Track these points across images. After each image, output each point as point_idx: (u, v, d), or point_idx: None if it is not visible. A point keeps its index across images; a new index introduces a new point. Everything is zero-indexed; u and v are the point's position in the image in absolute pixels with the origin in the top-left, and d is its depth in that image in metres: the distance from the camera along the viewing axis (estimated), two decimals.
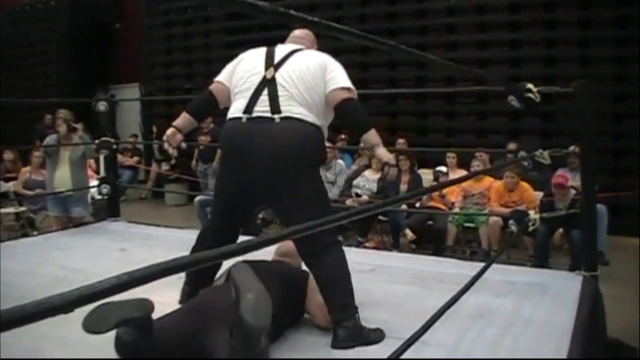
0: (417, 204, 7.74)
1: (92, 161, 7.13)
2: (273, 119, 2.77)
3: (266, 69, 2.91)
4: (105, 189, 5.72)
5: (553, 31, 9.89)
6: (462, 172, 8.02)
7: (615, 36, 9.42)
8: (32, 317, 0.69)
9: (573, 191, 6.77)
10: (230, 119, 2.90)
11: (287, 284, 2.85)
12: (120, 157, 10.44)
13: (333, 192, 8.12)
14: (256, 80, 2.89)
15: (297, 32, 3.29)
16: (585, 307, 3.29)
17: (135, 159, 13.03)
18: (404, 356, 1.79)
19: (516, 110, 4.79)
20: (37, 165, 8.37)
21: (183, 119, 3.14)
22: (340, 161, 8.80)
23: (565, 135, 7.61)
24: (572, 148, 4.10)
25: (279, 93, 2.82)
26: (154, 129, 12.84)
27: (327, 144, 8.42)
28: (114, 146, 5.87)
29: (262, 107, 2.80)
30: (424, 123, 10.92)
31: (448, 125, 10.70)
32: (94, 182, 6.60)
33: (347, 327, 2.73)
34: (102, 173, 6.41)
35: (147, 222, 5.76)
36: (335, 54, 10.98)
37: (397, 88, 10.58)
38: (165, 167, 12.42)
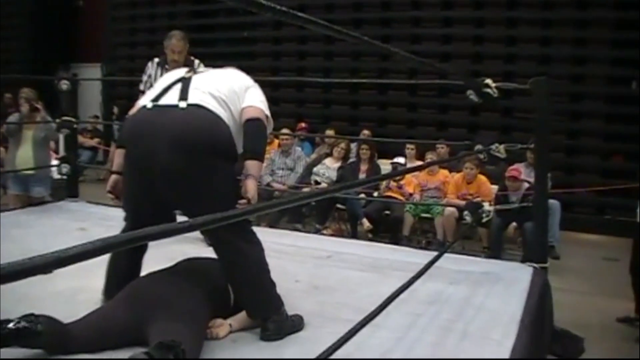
0: (375, 194, 7.84)
1: (52, 141, 7.07)
2: (177, 106, 2.63)
3: (186, 73, 2.86)
4: (65, 168, 5.68)
5: (515, 29, 10.06)
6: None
7: (575, 37, 9.62)
8: (16, 276, 0.73)
9: (526, 184, 6.94)
10: (138, 109, 2.79)
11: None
12: (80, 138, 10.35)
13: (291, 179, 8.19)
14: (172, 79, 2.81)
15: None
16: (534, 296, 3.39)
17: (96, 140, 12.91)
18: (356, 337, 1.86)
19: (476, 105, 4.88)
20: None
21: (120, 158, 2.92)
22: (298, 148, 8.87)
23: (524, 130, 7.78)
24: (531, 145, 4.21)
25: (192, 86, 2.71)
26: (115, 109, 12.73)
27: (287, 130, 8.54)
28: (75, 126, 5.82)
29: (171, 97, 2.69)
30: (385, 114, 11.02)
31: (409, 117, 10.82)
32: (54, 162, 6.56)
33: (275, 320, 2.68)
34: (62, 153, 6.37)
35: (106, 203, 5.74)
36: (300, 42, 11.05)
37: (359, 78, 10.65)
38: None
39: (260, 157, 2.82)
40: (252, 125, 2.75)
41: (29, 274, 0.77)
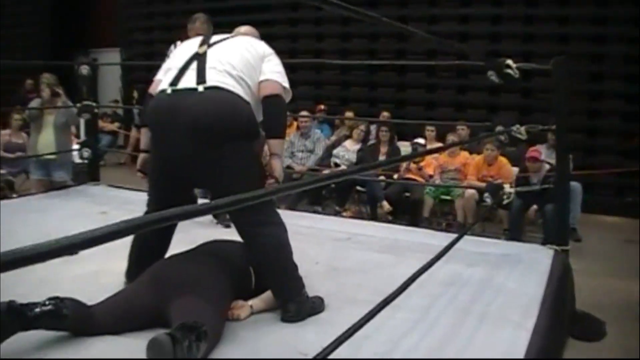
0: (395, 176, 7.84)
1: (72, 126, 7.13)
2: (196, 89, 2.64)
3: (199, 47, 2.83)
4: (87, 152, 5.72)
5: (533, 8, 9.95)
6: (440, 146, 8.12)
7: (594, 15, 9.50)
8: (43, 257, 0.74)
9: (547, 166, 6.90)
10: (158, 93, 2.78)
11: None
12: (100, 122, 10.43)
13: (311, 161, 8.20)
14: (187, 56, 2.79)
15: (242, 29, 3.19)
16: (554, 279, 3.38)
17: (116, 124, 12.99)
18: (375, 318, 1.87)
19: (495, 86, 4.85)
20: (17, 128, 8.36)
21: (146, 136, 2.99)
22: (317, 130, 8.87)
23: (543, 111, 7.72)
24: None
25: (207, 65, 2.70)
26: (135, 94, 12.77)
27: (305, 112, 8.54)
28: (96, 110, 5.86)
29: (188, 79, 2.69)
30: (404, 95, 10.97)
31: (428, 99, 10.76)
32: (74, 147, 6.62)
33: (296, 301, 2.70)
34: (83, 137, 6.42)
35: (127, 186, 5.78)
36: (317, 23, 10.94)
37: (377, 60, 10.59)
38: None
39: (282, 135, 2.88)
40: (271, 103, 2.77)
41: (56, 255, 0.78)
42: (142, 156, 3.07)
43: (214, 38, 2.91)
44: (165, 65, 3.00)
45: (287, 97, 2.90)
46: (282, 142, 2.90)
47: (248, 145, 2.73)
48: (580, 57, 9.05)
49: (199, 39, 2.94)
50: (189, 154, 2.61)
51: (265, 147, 2.88)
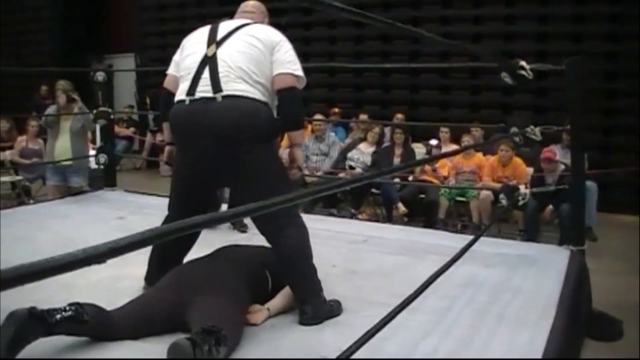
0: (410, 177, 7.83)
1: (88, 132, 7.18)
2: (215, 99, 2.68)
3: (208, 46, 2.82)
4: (103, 158, 5.77)
5: (547, 7, 9.92)
6: (455, 147, 8.11)
7: (609, 13, 9.45)
8: (72, 266, 0.76)
9: (562, 166, 6.87)
10: (176, 103, 2.82)
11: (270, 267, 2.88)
12: (115, 127, 10.49)
13: (326, 164, 8.20)
14: (198, 59, 2.80)
15: (248, 6, 3.22)
16: (571, 279, 3.37)
17: (131, 129, 13.05)
18: (392, 320, 1.87)
19: (509, 86, 4.85)
20: (34, 134, 8.43)
21: (168, 130, 3.05)
22: (332, 133, 8.88)
23: (558, 111, 7.68)
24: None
25: (220, 70, 2.72)
26: (148, 100, 12.83)
27: (320, 117, 8.55)
28: (112, 116, 5.91)
29: (204, 87, 2.72)
30: (417, 97, 10.96)
31: (441, 100, 10.75)
32: (91, 152, 6.67)
33: (314, 304, 2.71)
34: (98, 143, 6.47)
35: (143, 191, 5.82)
36: (330, 26, 10.94)
37: (391, 61, 10.59)
38: (160, 137, 12.44)
39: (300, 126, 2.96)
40: (286, 97, 2.82)
41: (84, 264, 0.80)
42: (167, 149, 3.18)
43: (221, 32, 2.86)
44: (176, 58, 3.05)
45: (302, 85, 2.92)
46: (301, 132, 2.99)
47: (269, 146, 2.81)
48: (595, 56, 9.00)
49: (206, 33, 2.90)
50: (212, 159, 2.70)
51: (284, 148, 2.93)
